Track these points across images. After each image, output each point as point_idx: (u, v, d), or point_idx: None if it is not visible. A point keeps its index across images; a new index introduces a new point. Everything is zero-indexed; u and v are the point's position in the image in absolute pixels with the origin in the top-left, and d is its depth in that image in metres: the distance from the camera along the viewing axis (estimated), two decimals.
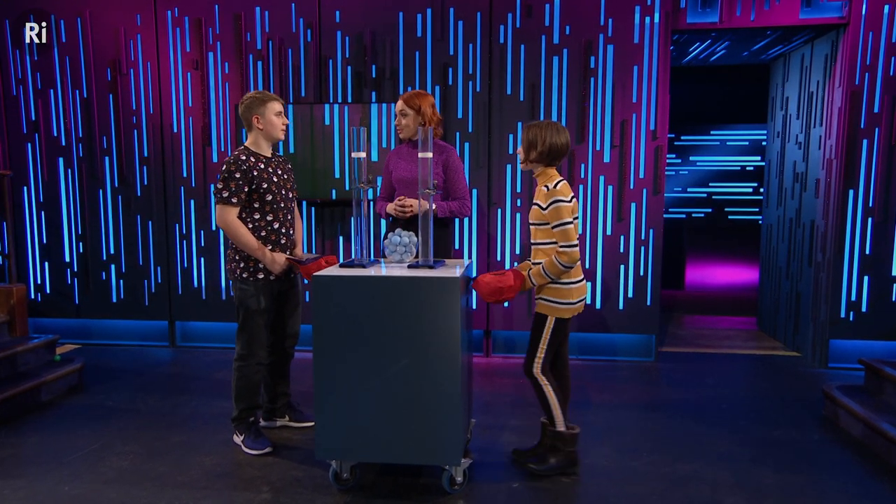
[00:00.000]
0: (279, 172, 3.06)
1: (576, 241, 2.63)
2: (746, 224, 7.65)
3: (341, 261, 3.08)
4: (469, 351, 2.89)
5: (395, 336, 2.53)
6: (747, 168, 7.65)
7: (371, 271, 2.62)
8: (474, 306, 4.68)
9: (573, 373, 4.35)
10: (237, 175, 2.88)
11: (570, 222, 2.63)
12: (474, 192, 4.62)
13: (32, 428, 3.36)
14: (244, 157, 2.93)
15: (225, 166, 2.90)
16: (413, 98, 3.31)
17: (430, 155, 2.72)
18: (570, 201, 2.65)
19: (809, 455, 3.05)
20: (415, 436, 2.56)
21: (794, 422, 3.47)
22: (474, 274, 3.08)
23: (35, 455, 3.01)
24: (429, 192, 2.75)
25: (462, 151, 4.60)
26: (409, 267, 2.71)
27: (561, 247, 2.63)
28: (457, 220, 4.62)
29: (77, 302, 5.07)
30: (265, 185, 2.95)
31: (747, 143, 7.61)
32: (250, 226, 2.97)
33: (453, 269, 2.67)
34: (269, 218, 2.99)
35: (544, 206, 2.65)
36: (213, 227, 4.88)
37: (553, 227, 2.64)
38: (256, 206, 2.97)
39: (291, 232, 3.14)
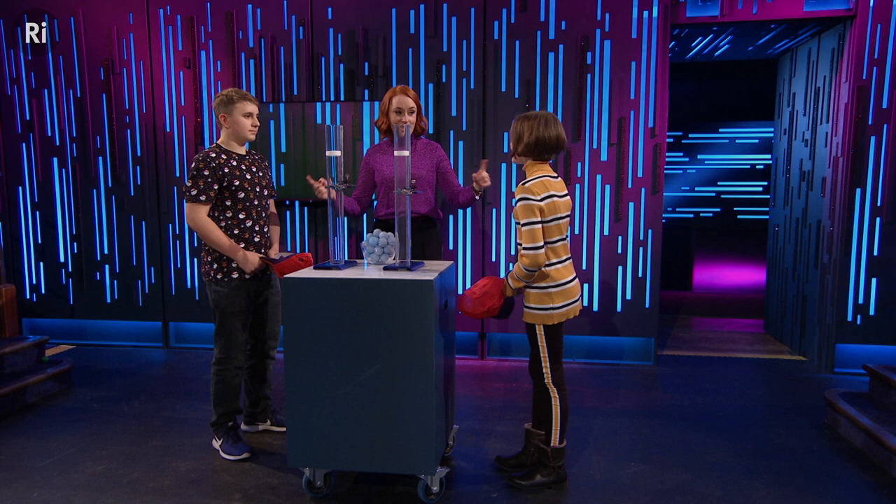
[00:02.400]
0: (253, 170, 3.00)
1: (541, 244, 2.47)
2: (756, 224, 7.46)
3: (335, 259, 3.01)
4: (448, 355, 2.80)
5: (367, 340, 2.45)
6: (757, 167, 7.45)
7: (344, 273, 2.54)
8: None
9: (569, 376, 4.27)
10: (206, 172, 2.82)
11: (537, 223, 2.48)
12: None
13: (13, 431, 3.32)
14: (213, 155, 2.87)
15: (194, 164, 2.85)
16: (413, 92, 3.36)
17: (406, 153, 2.63)
18: (542, 200, 2.49)
19: (807, 466, 2.92)
20: (388, 444, 2.48)
21: (794, 430, 3.33)
22: (454, 275, 2.98)
23: (10, 459, 2.97)
24: (406, 191, 2.67)
25: (456, 150, 4.51)
26: (386, 269, 2.63)
27: (524, 249, 2.49)
28: (451, 218, 4.55)
29: (71, 302, 5.06)
30: (237, 183, 2.89)
31: (757, 140, 7.41)
32: (222, 224, 2.91)
33: (429, 272, 2.58)
34: (241, 216, 2.93)
35: (514, 202, 2.54)
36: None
37: (521, 226, 2.51)
38: (228, 204, 2.90)
39: (266, 230, 3.07)
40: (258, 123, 2.97)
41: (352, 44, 4.54)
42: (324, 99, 4.59)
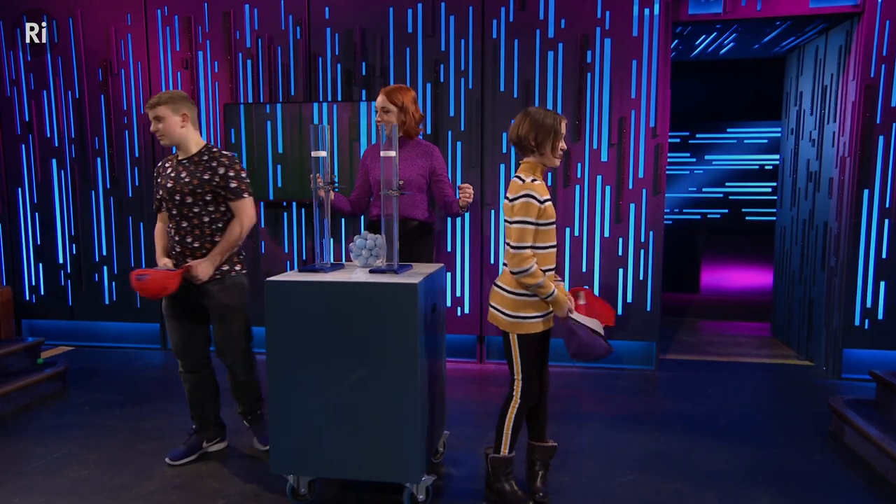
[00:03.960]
0: (181, 175, 2.81)
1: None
2: (764, 225, 7.33)
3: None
4: (437, 359, 2.73)
5: (351, 344, 2.39)
6: (766, 167, 7.33)
7: (328, 276, 2.49)
8: (467, 310, 4.52)
9: (567, 381, 4.20)
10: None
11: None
12: None
13: (4, 433, 3.30)
14: (160, 163, 2.96)
15: None
16: (395, 93, 3.15)
17: (392, 154, 2.57)
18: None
19: (808, 475, 2.82)
20: (372, 450, 2.42)
21: (796, 438, 3.23)
22: (444, 278, 2.91)
23: None
24: (392, 192, 2.61)
25: (454, 150, 4.45)
26: (371, 272, 2.57)
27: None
28: (449, 221, 4.49)
29: (70, 304, 5.05)
30: (159, 192, 2.90)
31: (766, 140, 7.29)
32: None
33: (416, 275, 2.52)
34: (169, 224, 2.91)
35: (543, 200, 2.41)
36: None
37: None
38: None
39: (190, 240, 2.83)
40: (155, 128, 2.83)
41: (349, 44, 4.49)
42: (321, 99, 4.55)
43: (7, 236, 5.06)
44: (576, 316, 2.43)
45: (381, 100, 3.17)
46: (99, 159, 4.89)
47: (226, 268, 2.88)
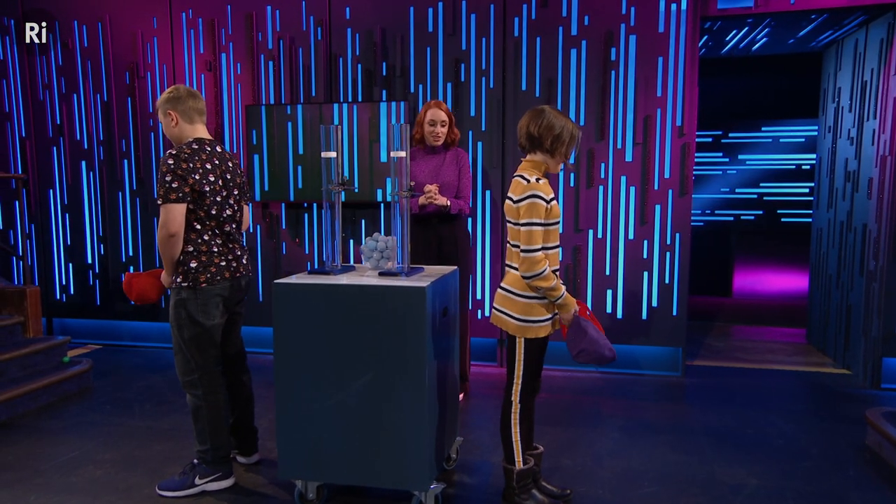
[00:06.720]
0: None
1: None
2: (801, 227, 7.06)
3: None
4: (448, 363, 2.67)
5: (359, 348, 2.35)
6: (803, 167, 7.06)
7: (335, 279, 2.45)
8: (487, 313, 4.45)
9: (587, 386, 4.09)
10: None
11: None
12: (488, 193, 4.40)
13: (27, 430, 3.36)
14: None
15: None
16: (445, 106, 3.61)
17: (403, 154, 2.52)
18: None
19: (842, 492, 2.68)
20: (380, 457, 2.38)
21: (829, 452, 3.08)
22: (457, 280, 2.84)
23: (16, 460, 2.99)
24: (404, 194, 2.56)
25: (475, 150, 4.39)
26: (381, 274, 2.53)
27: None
28: (470, 222, 4.43)
29: (98, 303, 5.14)
30: None
31: (803, 139, 7.02)
32: None
33: (425, 278, 2.46)
34: None
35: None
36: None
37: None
38: None
39: None
40: None
41: (369, 44, 4.47)
42: (341, 100, 4.53)
43: (39, 237, 5.17)
44: (581, 320, 2.37)
45: (437, 113, 3.57)
46: (126, 161, 4.96)
47: (176, 278, 2.59)
